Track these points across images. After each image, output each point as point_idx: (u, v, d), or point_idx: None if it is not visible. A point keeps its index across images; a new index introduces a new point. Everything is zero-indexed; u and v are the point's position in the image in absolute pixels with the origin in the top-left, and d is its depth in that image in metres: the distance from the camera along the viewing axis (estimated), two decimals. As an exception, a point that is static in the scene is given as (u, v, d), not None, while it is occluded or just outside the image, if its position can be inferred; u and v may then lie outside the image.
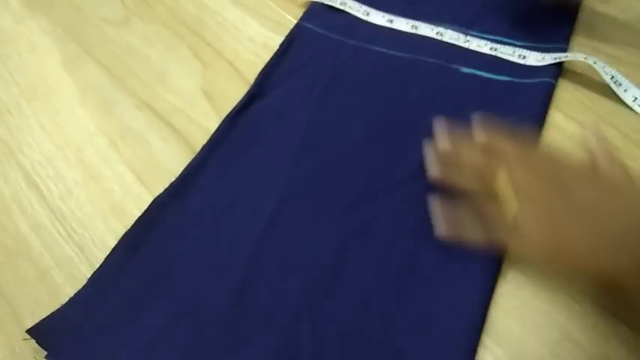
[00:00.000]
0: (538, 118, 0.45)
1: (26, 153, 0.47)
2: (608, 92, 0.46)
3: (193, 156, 0.44)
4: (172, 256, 0.39)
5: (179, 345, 0.36)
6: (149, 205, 0.42)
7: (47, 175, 0.45)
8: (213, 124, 0.47)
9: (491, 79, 0.47)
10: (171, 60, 0.52)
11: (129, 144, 0.47)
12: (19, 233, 0.42)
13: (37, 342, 0.36)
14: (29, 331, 0.36)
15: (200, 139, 0.46)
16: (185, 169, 0.43)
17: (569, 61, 0.47)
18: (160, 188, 0.43)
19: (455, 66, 0.48)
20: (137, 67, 0.52)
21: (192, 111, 0.48)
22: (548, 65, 0.47)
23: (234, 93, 0.48)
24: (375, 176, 0.42)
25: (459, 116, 0.41)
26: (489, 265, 0.37)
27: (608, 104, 0.46)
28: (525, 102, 0.45)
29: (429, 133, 0.41)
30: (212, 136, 0.45)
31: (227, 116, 0.46)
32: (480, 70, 0.48)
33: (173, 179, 0.43)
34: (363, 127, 0.45)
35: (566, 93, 0.46)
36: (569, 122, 0.45)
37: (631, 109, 0.45)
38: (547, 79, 0.46)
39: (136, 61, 0.52)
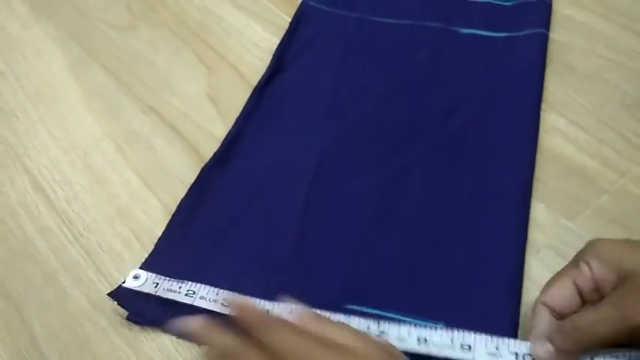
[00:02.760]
0: (538, 68, 0.48)
1: (32, 157, 0.47)
2: (609, 96, 0.47)
3: (198, 160, 0.45)
4: (229, 216, 0.42)
5: (250, 293, 0.38)
6: (198, 174, 0.44)
7: (53, 179, 0.45)
8: (218, 128, 0.47)
9: (489, 36, 0.51)
10: (177, 65, 0.53)
11: (135, 148, 0.47)
12: (26, 237, 0.42)
13: (118, 304, 0.37)
14: (110, 295, 0.38)
15: (205, 144, 0.46)
16: (224, 139, 0.46)
17: (572, 62, 0.49)
18: (165, 192, 0.44)
19: (454, 28, 0.52)
20: (142, 72, 0.52)
21: (198, 116, 0.49)
22: (540, 14, 0.51)
23: (239, 98, 0.48)
24: (402, 129, 0.46)
25: (467, 75, 0.48)
26: (523, 193, 0.41)
27: (610, 109, 0.46)
28: (524, 54, 0.49)
29: (443, 91, 0.48)
30: (243, 109, 0.48)
31: (254, 90, 0.49)
32: (478, 29, 0.51)
33: (179, 183, 0.44)
34: (381, 87, 0.49)
35: (567, 98, 0.47)
36: (571, 127, 0.45)
37: (632, 114, 0.45)
38: (540, 30, 0.50)
39: (142, 66, 0.53)
